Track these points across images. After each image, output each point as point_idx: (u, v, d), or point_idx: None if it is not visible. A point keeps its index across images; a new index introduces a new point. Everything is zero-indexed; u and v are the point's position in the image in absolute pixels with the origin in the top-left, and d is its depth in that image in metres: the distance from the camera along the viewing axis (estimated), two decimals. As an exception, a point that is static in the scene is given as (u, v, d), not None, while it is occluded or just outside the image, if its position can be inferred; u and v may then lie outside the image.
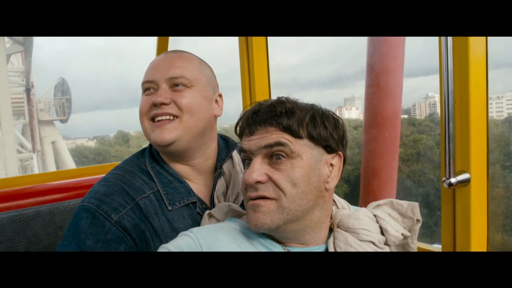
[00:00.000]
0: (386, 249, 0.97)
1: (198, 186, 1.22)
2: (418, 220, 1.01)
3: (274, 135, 0.90)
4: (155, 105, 1.13)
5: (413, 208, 1.01)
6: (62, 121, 22.58)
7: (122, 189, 1.11)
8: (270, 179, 0.89)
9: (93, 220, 1.06)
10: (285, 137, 0.89)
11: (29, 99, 21.24)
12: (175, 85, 1.15)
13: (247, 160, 0.94)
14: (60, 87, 22.58)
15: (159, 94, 1.14)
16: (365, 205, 2.14)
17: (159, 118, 1.14)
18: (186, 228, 1.12)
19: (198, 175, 1.23)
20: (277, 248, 0.93)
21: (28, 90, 21.20)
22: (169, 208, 1.14)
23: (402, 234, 0.99)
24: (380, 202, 1.04)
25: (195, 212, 1.17)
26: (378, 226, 0.99)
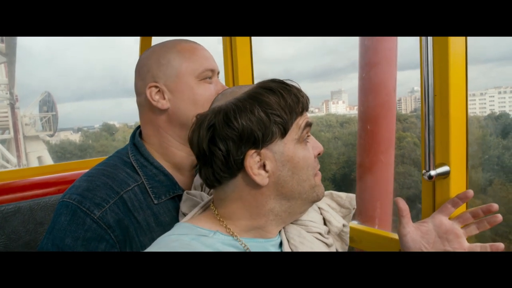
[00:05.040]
0: (330, 238, 1.03)
1: (185, 178, 1.22)
2: (354, 209, 1.10)
3: None
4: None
5: (351, 200, 1.09)
6: (49, 136, 22.20)
7: (105, 183, 1.09)
8: None
9: (72, 217, 1.03)
10: None
11: (13, 113, 20.75)
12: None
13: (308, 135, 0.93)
14: (45, 102, 22.15)
15: (221, 84, 1.21)
16: (362, 204, 2.15)
17: None
18: (172, 221, 1.10)
19: (193, 167, 1.23)
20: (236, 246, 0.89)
21: (12, 104, 20.73)
22: (155, 201, 1.13)
23: (343, 224, 1.06)
24: None
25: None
26: (322, 218, 1.04)
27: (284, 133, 0.86)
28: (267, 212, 0.90)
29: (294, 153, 0.88)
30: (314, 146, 0.93)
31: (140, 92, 1.20)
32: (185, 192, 1.14)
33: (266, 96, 0.85)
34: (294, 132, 0.88)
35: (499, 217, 0.99)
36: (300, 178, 0.89)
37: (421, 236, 1.05)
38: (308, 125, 0.91)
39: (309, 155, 0.91)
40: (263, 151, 0.86)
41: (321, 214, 1.05)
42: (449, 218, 1.05)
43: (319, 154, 0.95)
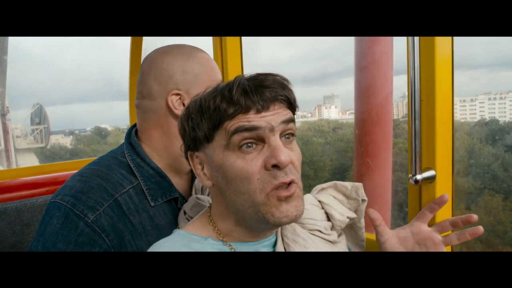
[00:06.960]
0: (334, 234, 0.98)
1: (182, 181, 1.21)
2: (363, 200, 1.03)
3: (286, 111, 0.82)
4: None
5: (357, 189, 1.02)
6: (41, 148, 21.97)
7: (100, 185, 1.05)
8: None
9: (65, 221, 1.00)
10: (292, 114, 0.84)
11: (4, 125, 20.41)
12: None
13: (249, 142, 0.79)
14: (37, 114, 21.90)
15: None
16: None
17: None
18: (168, 224, 1.10)
19: (191, 170, 1.22)
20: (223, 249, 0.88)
21: (3, 115, 20.41)
22: (152, 204, 1.10)
23: (347, 217, 1.00)
24: (324, 185, 1.05)
25: (176, 208, 1.15)
26: (324, 212, 0.99)
27: (207, 138, 0.83)
28: (231, 213, 0.87)
29: (222, 160, 0.81)
30: (270, 155, 0.79)
31: (155, 96, 1.15)
32: (194, 197, 1.12)
33: (195, 99, 0.86)
34: (221, 137, 0.81)
35: (481, 229, 0.98)
36: (236, 190, 0.81)
37: (399, 243, 1.03)
38: (242, 129, 0.78)
39: (244, 166, 0.79)
40: (198, 153, 0.87)
41: (322, 208, 0.99)
42: (429, 225, 1.05)
43: (275, 165, 0.78)
